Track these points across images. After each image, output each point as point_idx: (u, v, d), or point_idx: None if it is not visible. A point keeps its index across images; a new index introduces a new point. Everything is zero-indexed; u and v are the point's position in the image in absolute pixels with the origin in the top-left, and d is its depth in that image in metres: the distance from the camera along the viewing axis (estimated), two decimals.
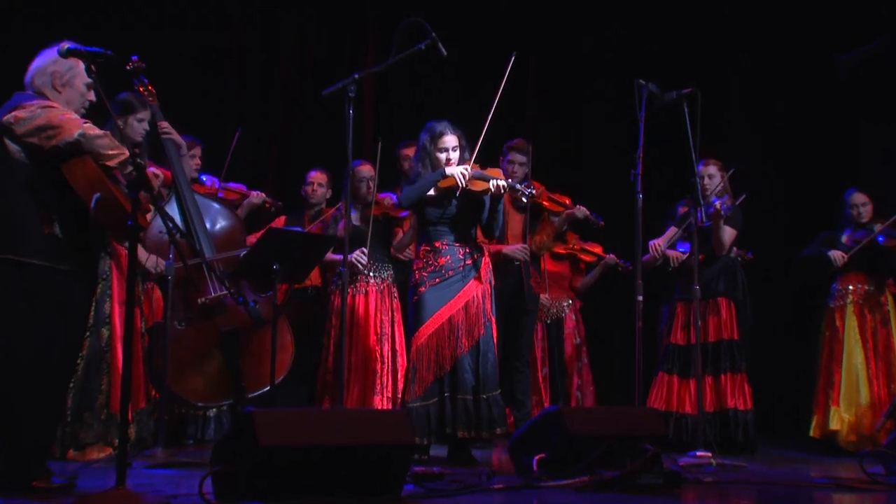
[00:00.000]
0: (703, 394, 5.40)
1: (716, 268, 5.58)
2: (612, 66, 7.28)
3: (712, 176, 5.58)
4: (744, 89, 7.26)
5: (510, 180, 4.73)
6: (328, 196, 5.87)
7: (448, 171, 4.61)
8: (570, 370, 6.26)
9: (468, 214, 4.74)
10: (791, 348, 6.90)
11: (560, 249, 6.28)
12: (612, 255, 6.34)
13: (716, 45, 7.01)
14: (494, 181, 4.63)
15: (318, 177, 5.87)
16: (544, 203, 5.62)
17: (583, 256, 6.34)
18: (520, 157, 5.63)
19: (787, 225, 7.15)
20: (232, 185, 5.64)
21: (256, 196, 5.64)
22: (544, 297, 6.08)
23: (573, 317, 6.34)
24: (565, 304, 6.33)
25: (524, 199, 4.83)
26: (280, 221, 5.79)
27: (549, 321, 6.27)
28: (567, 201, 5.75)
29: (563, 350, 6.26)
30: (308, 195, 5.86)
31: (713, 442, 5.00)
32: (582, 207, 5.74)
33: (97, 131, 3.45)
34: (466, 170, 4.57)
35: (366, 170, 5.57)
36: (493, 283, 4.79)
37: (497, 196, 4.67)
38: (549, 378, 6.19)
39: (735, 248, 5.80)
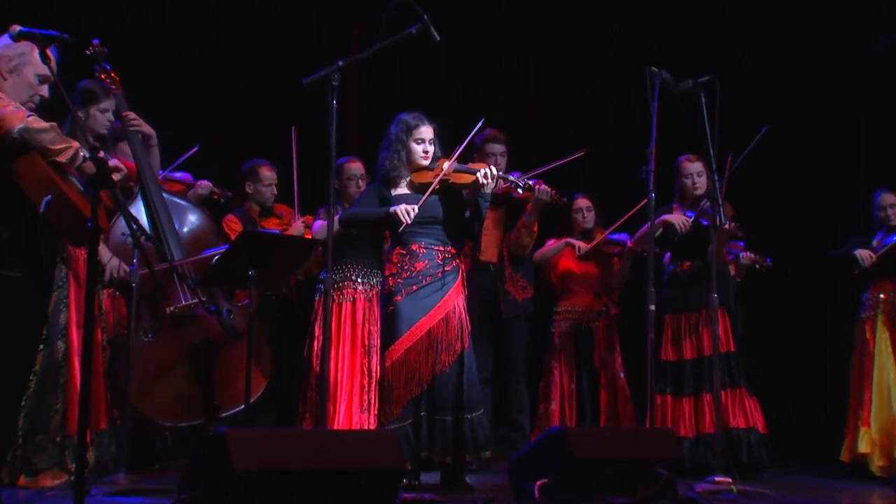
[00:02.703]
0: (701, 413, 5.35)
1: (705, 275, 5.34)
2: (612, 66, 7.44)
3: (700, 174, 5.54)
4: (744, 89, 7.31)
5: (500, 171, 4.66)
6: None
7: (392, 209, 4.53)
8: (599, 386, 6.01)
9: (448, 213, 4.66)
10: (816, 362, 6.88)
11: (583, 244, 6.05)
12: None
13: (716, 46, 7.07)
14: (483, 171, 4.55)
15: (273, 175, 5.78)
16: (517, 195, 5.40)
17: (607, 249, 6.06)
18: (498, 148, 5.55)
19: (794, 225, 7.17)
20: (176, 174, 5.55)
21: (203, 186, 5.57)
22: (571, 305, 5.96)
23: (605, 325, 6.08)
24: (597, 310, 6.06)
25: (520, 191, 4.78)
26: (232, 221, 5.62)
27: (579, 330, 6.05)
28: (540, 185, 5.48)
29: (592, 363, 6.02)
30: (260, 193, 5.73)
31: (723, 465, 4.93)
32: (545, 188, 5.50)
33: (42, 124, 3.40)
34: (413, 209, 4.49)
35: (355, 167, 5.51)
36: (466, 291, 4.72)
37: (485, 190, 4.59)
38: (576, 395, 5.96)
39: (751, 254, 5.72)
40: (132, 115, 4.69)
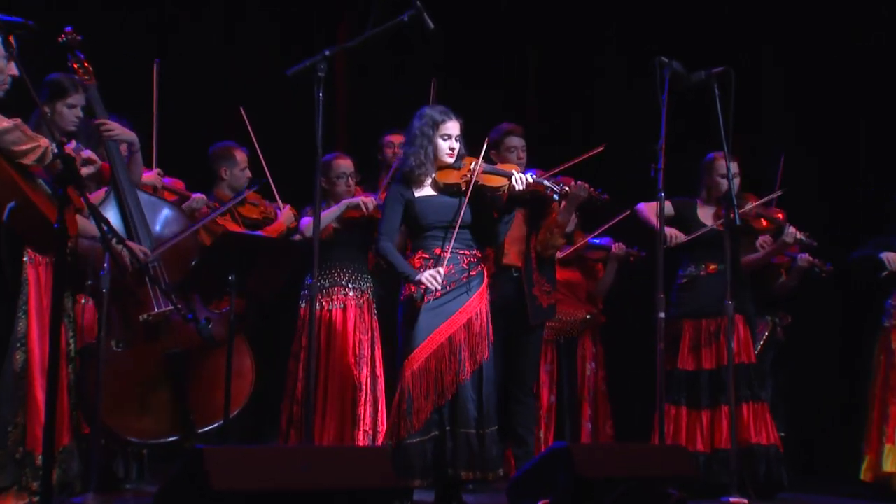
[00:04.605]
0: (718, 427, 5.24)
1: (724, 280, 5.18)
2: (612, 65, 7.58)
3: (736, 175, 5.44)
4: (744, 90, 7.34)
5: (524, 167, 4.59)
6: None
7: (418, 277, 4.42)
8: (581, 399, 5.97)
9: (474, 216, 4.57)
10: (837, 374, 6.84)
11: (564, 251, 5.95)
12: (619, 245, 6.03)
13: (715, 45, 7.10)
14: (518, 175, 4.48)
15: (246, 158, 5.65)
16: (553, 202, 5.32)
17: (590, 255, 6.02)
18: (518, 141, 5.42)
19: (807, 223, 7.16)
20: (167, 180, 5.40)
21: (197, 200, 5.43)
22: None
23: (590, 335, 6.04)
24: (581, 319, 6.03)
25: (555, 197, 4.69)
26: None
27: (561, 340, 5.99)
28: (570, 183, 5.32)
29: (574, 375, 5.98)
30: (236, 177, 5.59)
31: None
32: (581, 183, 5.31)
33: (5, 123, 3.30)
34: (440, 273, 4.40)
35: (345, 164, 5.42)
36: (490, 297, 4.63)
37: (517, 194, 4.51)
38: (556, 408, 5.93)
39: (810, 257, 5.64)
40: (108, 123, 4.55)
